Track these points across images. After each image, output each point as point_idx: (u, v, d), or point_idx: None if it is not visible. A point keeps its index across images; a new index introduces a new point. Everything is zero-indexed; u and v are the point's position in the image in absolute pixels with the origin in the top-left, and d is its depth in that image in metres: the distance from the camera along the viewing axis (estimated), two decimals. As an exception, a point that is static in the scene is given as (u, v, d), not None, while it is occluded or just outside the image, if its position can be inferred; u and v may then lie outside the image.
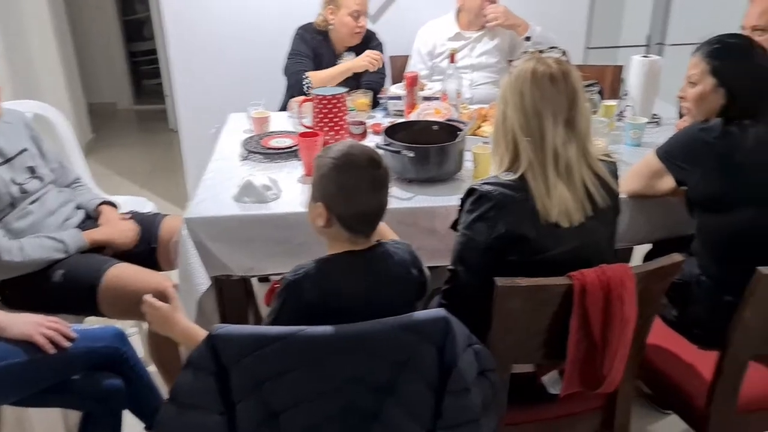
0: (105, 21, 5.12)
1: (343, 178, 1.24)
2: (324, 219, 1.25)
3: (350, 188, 1.24)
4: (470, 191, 1.37)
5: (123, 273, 1.80)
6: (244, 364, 1.11)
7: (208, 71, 3.08)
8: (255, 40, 3.04)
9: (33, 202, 1.85)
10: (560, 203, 1.32)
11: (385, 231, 1.51)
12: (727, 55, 1.59)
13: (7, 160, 1.81)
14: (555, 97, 1.30)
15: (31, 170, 1.88)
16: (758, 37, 1.95)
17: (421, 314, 1.13)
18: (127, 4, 5.46)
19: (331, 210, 1.24)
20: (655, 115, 2.31)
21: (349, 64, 2.54)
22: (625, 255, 2.40)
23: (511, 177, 1.34)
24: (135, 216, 2.08)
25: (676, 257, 1.33)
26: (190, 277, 1.70)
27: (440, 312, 1.14)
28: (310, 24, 2.64)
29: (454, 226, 1.45)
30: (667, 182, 1.66)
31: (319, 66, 2.58)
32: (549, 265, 1.32)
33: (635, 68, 2.22)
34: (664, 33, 3.45)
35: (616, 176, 1.44)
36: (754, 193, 1.52)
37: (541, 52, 1.34)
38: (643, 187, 1.72)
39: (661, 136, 1.74)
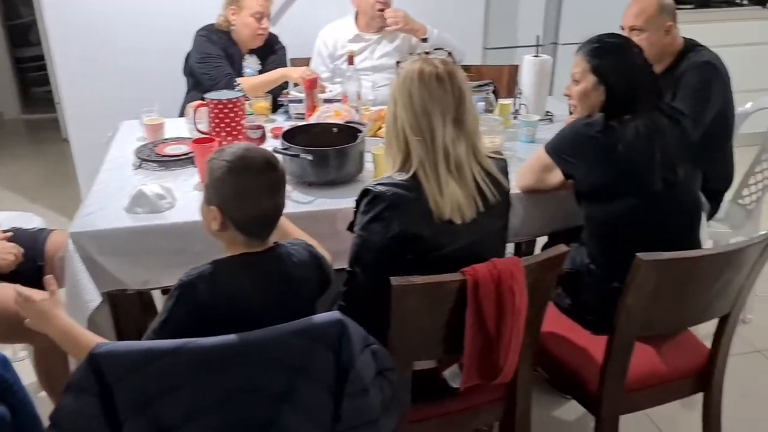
0: (-14, 26, 4.77)
1: (239, 182, 1.22)
2: (218, 223, 1.24)
3: (246, 192, 1.23)
4: (364, 192, 1.38)
5: (3, 295, 1.68)
6: (131, 382, 1.06)
7: (98, 77, 2.92)
8: (147, 44, 2.92)
9: None
10: (452, 200, 1.35)
11: (290, 229, 1.51)
12: (605, 54, 1.68)
13: None
14: (442, 96, 1.33)
15: None
16: (635, 37, 2.08)
17: (315, 318, 1.12)
18: (11, 7, 5.10)
19: (225, 214, 1.23)
20: (548, 112, 2.41)
21: (284, 70, 2.50)
22: (529, 247, 2.50)
23: (404, 177, 1.36)
24: (17, 233, 1.94)
25: (562, 248, 1.39)
26: (78, 294, 1.61)
27: (335, 315, 1.13)
28: (210, 25, 2.56)
29: (350, 227, 1.45)
30: (557, 176, 1.73)
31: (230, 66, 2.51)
32: (444, 262, 1.34)
33: (527, 67, 2.31)
34: (557, 33, 3.61)
35: (506, 173, 1.48)
36: (633, 184, 1.61)
37: (427, 53, 1.37)
38: (535, 182, 1.79)
39: (554, 132, 1.82)
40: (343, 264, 1.51)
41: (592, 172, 1.63)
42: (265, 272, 1.25)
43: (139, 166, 1.97)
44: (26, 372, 1.72)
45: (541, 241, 2.16)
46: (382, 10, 2.60)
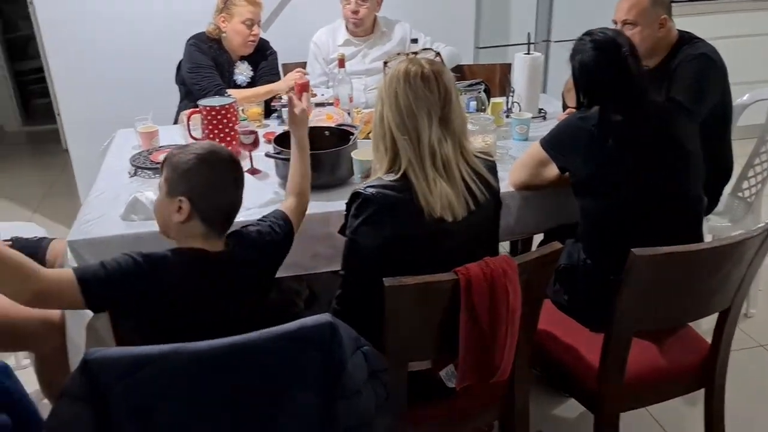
0: (-16, 40, 4.81)
1: (211, 173, 1.29)
2: (185, 213, 1.28)
3: (218, 183, 1.30)
4: (354, 195, 1.38)
5: (2, 303, 1.69)
6: (124, 388, 1.05)
7: (95, 87, 2.95)
8: (141, 53, 2.95)
9: None
10: (442, 198, 1.35)
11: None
12: (576, 53, 1.69)
13: None
14: (428, 96, 1.33)
15: None
16: (628, 31, 2.07)
17: (304, 321, 1.11)
18: (9, 21, 5.14)
19: (194, 204, 1.28)
20: (541, 109, 2.41)
21: (272, 86, 2.52)
22: (526, 246, 2.50)
23: (393, 177, 1.36)
24: (16, 242, 1.95)
25: (556, 245, 1.38)
26: (76, 303, 1.62)
27: (324, 317, 1.12)
28: (201, 33, 2.58)
29: (342, 230, 1.45)
30: (552, 170, 1.73)
31: (219, 75, 2.53)
32: (437, 262, 1.33)
33: (518, 65, 2.31)
34: (549, 30, 3.61)
35: (495, 173, 1.48)
36: (628, 178, 1.61)
37: (414, 53, 1.37)
38: (529, 177, 1.79)
39: (548, 129, 1.82)
40: (337, 266, 1.52)
41: (587, 166, 1.63)
42: (216, 274, 1.29)
43: (135, 174, 1.98)
44: (31, 380, 1.72)
45: (538, 239, 2.16)
46: (355, 21, 2.64)
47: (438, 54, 1.41)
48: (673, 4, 2.22)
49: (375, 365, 1.20)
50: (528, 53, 2.31)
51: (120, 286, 1.20)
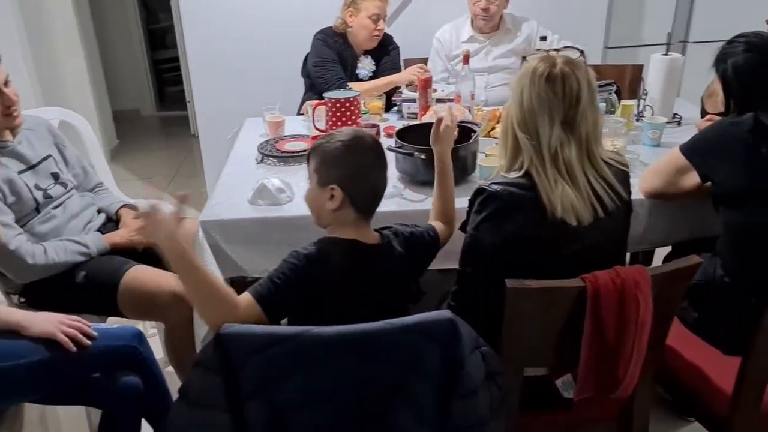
0: (129, 30, 5.23)
1: (359, 158, 1.30)
2: (338, 201, 1.29)
3: (365, 167, 1.31)
4: (478, 191, 1.36)
5: (141, 275, 1.83)
6: (252, 364, 1.11)
7: (226, 77, 3.12)
8: (271, 46, 3.08)
9: (56, 206, 1.89)
10: (564, 201, 1.30)
11: None
12: (721, 60, 1.60)
13: (32, 167, 1.85)
14: (551, 98, 1.29)
15: (55, 176, 1.92)
16: (785, 33, 1.91)
17: (426, 315, 1.12)
18: (151, 13, 5.56)
19: (346, 191, 1.28)
20: (676, 114, 2.27)
21: (392, 77, 2.57)
22: (647, 258, 2.36)
23: (516, 175, 1.33)
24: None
25: (695, 259, 1.29)
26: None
27: (446, 313, 1.12)
28: (328, 28, 2.65)
29: (463, 227, 1.44)
30: (692, 178, 1.62)
31: (342, 69, 2.60)
32: (559, 264, 1.30)
33: (654, 67, 2.19)
34: (687, 30, 3.39)
35: (627, 181, 1.41)
36: None
37: (556, 50, 1.33)
38: (664, 185, 1.69)
39: (683, 136, 1.71)
40: (453, 264, 1.51)
41: (737, 175, 1.51)
42: (369, 263, 1.30)
43: (261, 161, 2.07)
44: (155, 348, 1.85)
45: (660, 251, 2.04)
46: (485, 18, 2.61)
47: (582, 53, 1.34)
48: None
49: (492, 367, 1.19)
50: (666, 54, 2.18)
51: (290, 293, 1.23)
